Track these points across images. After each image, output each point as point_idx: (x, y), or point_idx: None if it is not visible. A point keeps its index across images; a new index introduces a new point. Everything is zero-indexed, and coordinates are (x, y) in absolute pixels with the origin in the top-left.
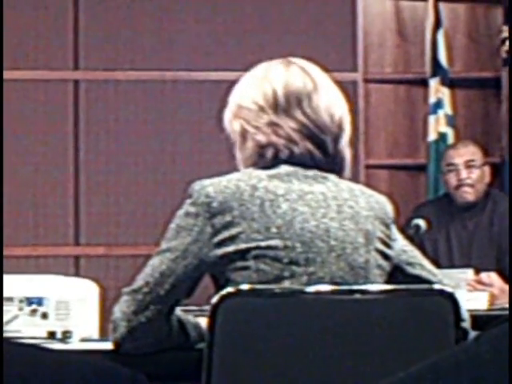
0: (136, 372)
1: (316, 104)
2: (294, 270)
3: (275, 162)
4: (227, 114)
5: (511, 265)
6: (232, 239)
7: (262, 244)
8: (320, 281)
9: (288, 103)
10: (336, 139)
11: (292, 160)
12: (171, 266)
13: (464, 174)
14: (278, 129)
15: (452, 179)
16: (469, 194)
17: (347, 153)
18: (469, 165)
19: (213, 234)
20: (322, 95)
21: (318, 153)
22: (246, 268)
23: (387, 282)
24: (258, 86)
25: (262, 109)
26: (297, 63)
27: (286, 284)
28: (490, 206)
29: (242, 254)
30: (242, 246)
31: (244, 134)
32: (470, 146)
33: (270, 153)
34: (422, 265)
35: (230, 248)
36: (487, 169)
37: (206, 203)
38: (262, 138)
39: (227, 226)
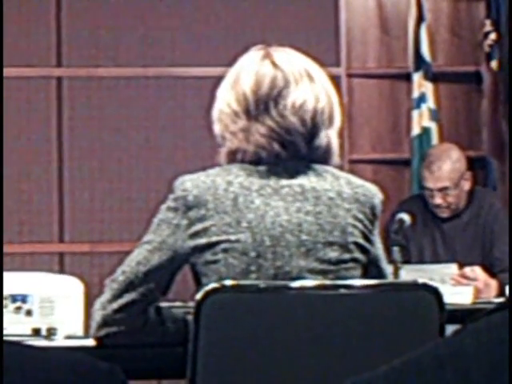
0: (114, 365)
1: (283, 106)
2: (261, 263)
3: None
4: (213, 115)
5: (511, 264)
6: (205, 231)
7: (232, 237)
8: (287, 275)
9: (257, 109)
10: (310, 137)
11: (259, 162)
12: (147, 256)
13: (438, 199)
14: (249, 135)
15: (429, 199)
16: (445, 213)
17: (334, 143)
18: (443, 192)
19: (187, 226)
20: (292, 93)
21: (286, 155)
22: (215, 262)
23: (363, 275)
24: (232, 88)
25: (236, 114)
26: (272, 57)
27: (253, 277)
28: (475, 204)
29: (213, 247)
30: (214, 238)
31: (223, 138)
32: (444, 168)
33: (239, 157)
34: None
35: (203, 240)
36: (468, 175)
37: (183, 197)
38: (232, 145)
39: (201, 218)
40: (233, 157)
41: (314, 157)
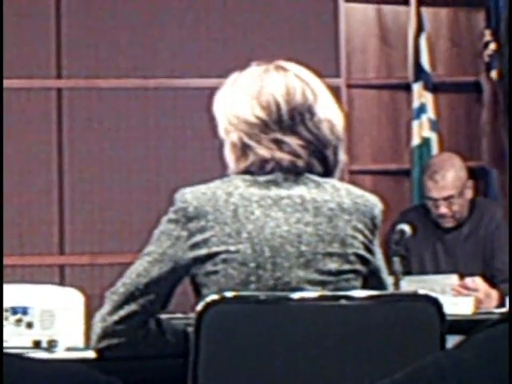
0: (113, 378)
1: (318, 118)
2: (260, 274)
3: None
4: (223, 123)
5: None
6: (205, 242)
7: (232, 248)
8: (287, 286)
9: (292, 120)
10: (335, 151)
11: (293, 172)
12: (147, 268)
13: (443, 209)
14: (284, 145)
15: (433, 209)
16: (450, 223)
17: (342, 156)
18: (448, 201)
19: (187, 237)
20: (322, 107)
21: (320, 166)
22: (215, 272)
23: (364, 286)
24: (256, 96)
25: (265, 124)
26: (292, 71)
27: (252, 288)
28: (477, 214)
29: (213, 258)
30: (214, 249)
31: (243, 147)
32: (448, 177)
33: (270, 166)
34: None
35: (203, 251)
36: (470, 184)
37: (183, 208)
38: (265, 153)
39: (201, 230)
40: (263, 165)
41: (329, 171)
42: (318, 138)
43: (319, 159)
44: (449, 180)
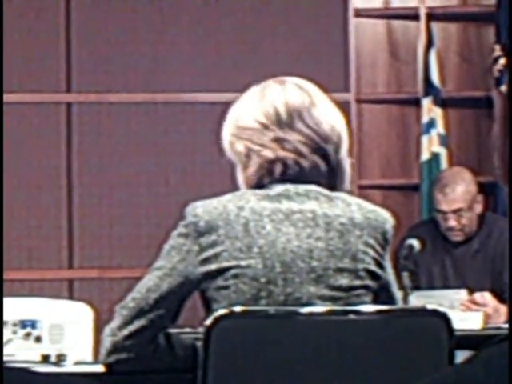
0: None
1: (317, 115)
2: (271, 289)
3: (282, 179)
4: (226, 137)
5: (511, 276)
6: (216, 257)
7: (243, 263)
8: (297, 302)
9: (290, 117)
10: (336, 149)
11: (300, 176)
12: (157, 283)
13: (452, 222)
14: (285, 143)
15: (442, 222)
16: (459, 237)
17: (347, 165)
18: (457, 214)
19: (198, 252)
20: (321, 108)
21: (324, 164)
22: (225, 287)
23: (374, 301)
24: (257, 105)
25: (265, 126)
26: (291, 81)
27: (263, 304)
28: (485, 230)
29: (223, 273)
30: (224, 264)
31: (248, 154)
32: (458, 190)
33: (278, 169)
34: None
35: (213, 266)
36: (480, 198)
37: (194, 223)
38: (269, 154)
39: (212, 244)
40: (270, 166)
41: (333, 178)
42: (318, 134)
43: (321, 156)
44: (458, 193)
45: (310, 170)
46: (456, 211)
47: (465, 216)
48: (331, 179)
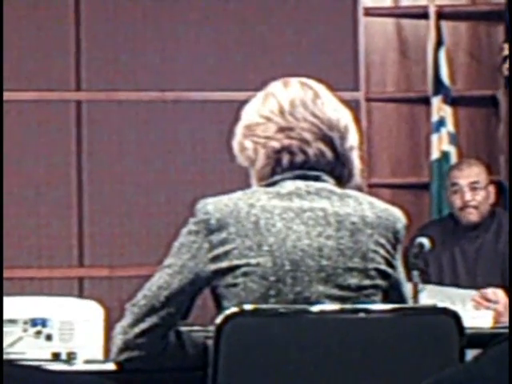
0: None
1: (321, 105)
2: (280, 288)
3: (291, 168)
4: (237, 139)
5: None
6: (226, 255)
7: (252, 261)
8: (306, 301)
9: (293, 106)
10: (342, 137)
11: (306, 164)
12: (168, 280)
13: (468, 196)
14: (290, 132)
15: (456, 200)
16: (473, 215)
17: (355, 157)
18: (473, 186)
19: (209, 249)
20: (325, 100)
21: (329, 151)
22: (235, 285)
23: (384, 300)
24: (261, 103)
25: (268, 119)
26: (295, 80)
27: (272, 302)
28: (495, 226)
29: (233, 270)
30: (235, 262)
31: (255, 148)
32: (474, 167)
33: (285, 158)
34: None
35: (224, 263)
36: (492, 188)
37: (205, 220)
38: (275, 144)
39: (223, 242)
40: (277, 156)
41: (340, 168)
42: (323, 121)
43: (326, 143)
44: (474, 169)
45: (316, 158)
46: (472, 184)
47: (480, 193)
48: (338, 169)
